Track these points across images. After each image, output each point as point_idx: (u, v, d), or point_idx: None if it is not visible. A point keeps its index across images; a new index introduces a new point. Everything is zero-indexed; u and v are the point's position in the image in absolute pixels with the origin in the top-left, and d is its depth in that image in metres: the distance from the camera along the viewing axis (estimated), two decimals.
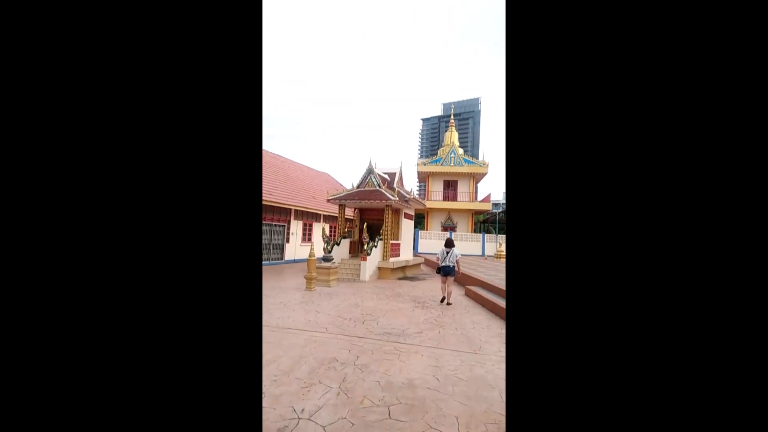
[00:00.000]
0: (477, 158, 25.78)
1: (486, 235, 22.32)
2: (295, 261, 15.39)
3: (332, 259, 9.38)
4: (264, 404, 2.69)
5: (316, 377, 3.24)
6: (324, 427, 2.41)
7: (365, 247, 10.64)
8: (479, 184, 26.18)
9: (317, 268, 8.72)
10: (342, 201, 11.86)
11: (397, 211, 12.21)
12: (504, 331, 5.02)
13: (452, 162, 24.76)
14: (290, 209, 15.17)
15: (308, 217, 16.67)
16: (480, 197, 25.41)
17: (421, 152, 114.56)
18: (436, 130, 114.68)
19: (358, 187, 12.13)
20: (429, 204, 23.32)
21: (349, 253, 11.86)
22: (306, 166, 22.02)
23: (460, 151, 25.41)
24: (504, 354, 3.96)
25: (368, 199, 11.21)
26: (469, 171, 24.55)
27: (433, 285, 9.99)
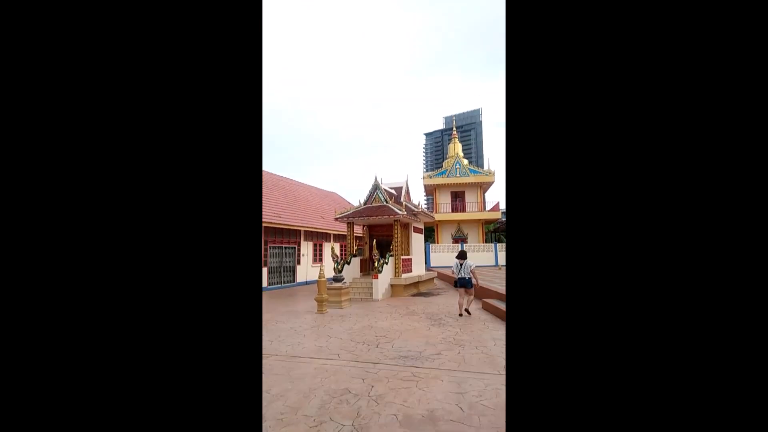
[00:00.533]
0: (482, 168, 25.48)
1: (498, 244, 21.78)
2: (307, 283, 15.10)
3: (343, 279, 9.09)
4: None
5: (327, 413, 2.92)
6: None
7: (376, 264, 10.33)
8: (487, 194, 25.79)
9: (328, 289, 8.43)
10: (350, 219, 11.64)
11: (406, 226, 11.93)
12: None
13: (458, 173, 24.52)
14: (300, 230, 15.01)
15: (318, 238, 16.47)
16: (488, 206, 24.98)
17: (426, 166, 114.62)
18: (439, 144, 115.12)
19: (365, 203, 11.92)
20: (438, 216, 22.95)
21: (360, 271, 11.56)
22: (313, 187, 21.99)
23: (465, 161, 25.20)
24: None
25: (376, 215, 10.97)
26: (476, 181, 24.24)
27: (448, 300, 9.60)
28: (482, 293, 8.68)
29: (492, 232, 27.70)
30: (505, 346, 4.77)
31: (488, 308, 7.45)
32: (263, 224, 12.53)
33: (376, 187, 11.96)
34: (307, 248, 15.56)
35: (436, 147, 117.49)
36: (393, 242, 11.01)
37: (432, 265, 20.17)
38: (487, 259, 20.82)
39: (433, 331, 5.86)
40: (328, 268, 13.52)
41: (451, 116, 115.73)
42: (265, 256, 13.04)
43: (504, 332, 5.58)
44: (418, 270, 12.58)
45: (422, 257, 13.68)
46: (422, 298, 10.07)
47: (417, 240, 12.84)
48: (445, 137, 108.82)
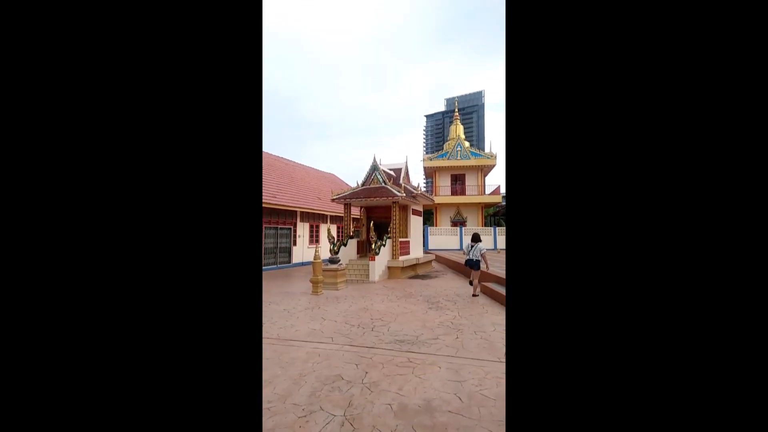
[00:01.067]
0: (483, 150, 24.99)
1: (497, 228, 21.60)
2: (303, 264, 14.94)
3: (339, 260, 8.90)
4: None
5: (318, 402, 2.74)
6: None
7: (373, 246, 10.13)
8: (487, 177, 25.41)
9: (324, 270, 8.25)
10: (347, 200, 11.36)
11: (404, 208, 11.67)
12: None
13: (459, 156, 24.05)
14: (296, 211, 14.75)
15: (314, 219, 16.23)
16: (489, 190, 24.66)
17: (426, 149, 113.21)
18: (440, 126, 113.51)
19: (362, 184, 11.61)
20: (437, 199, 22.65)
21: (357, 253, 11.37)
22: (310, 167, 21.59)
23: (467, 144, 24.65)
24: None
25: (374, 197, 10.69)
26: (477, 164, 23.82)
27: (446, 283, 9.46)
28: (481, 276, 8.51)
29: (492, 216, 27.48)
30: (505, 332, 4.61)
31: (486, 291, 7.29)
32: None
33: (374, 167, 11.63)
34: (303, 229, 15.33)
35: (437, 129, 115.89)
36: (391, 224, 10.78)
37: (430, 247, 20.02)
38: (486, 242, 20.56)
39: (431, 314, 5.70)
40: (325, 250, 13.35)
41: (453, 98, 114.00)
42: None
43: (503, 317, 5.43)
44: (416, 252, 12.40)
45: (420, 240, 13.49)
46: (420, 281, 9.92)
47: (415, 222, 12.61)
48: (446, 119, 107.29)
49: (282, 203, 13.38)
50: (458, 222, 23.83)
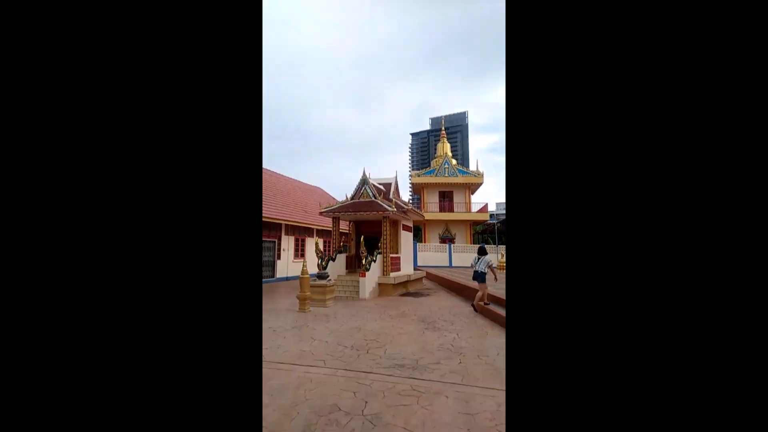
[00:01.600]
0: (470, 169, 25.16)
1: (485, 246, 21.55)
2: (287, 279, 14.37)
3: (328, 276, 8.50)
4: None
5: None
6: None
7: (363, 262, 9.76)
8: (474, 196, 25.45)
9: (312, 286, 7.83)
10: (336, 214, 11.02)
11: (395, 223, 11.41)
12: None
13: (446, 173, 24.15)
14: (281, 224, 14.28)
15: (300, 232, 15.76)
16: (476, 208, 24.71)
17: (413, 165, 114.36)
18: (425, 144, 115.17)
19: (352, 198, 11.31)
20: (426, 215, 22.52)
21: (346, 269, 10.97)
22: (296, 180, 21.18)
23: (454, 161, 24.83)
24: None
25: (364, 211, 10.39)
26: (464, 181, 23.94)
27: (439, 301, 9.14)
28: (475, 295, 8.24)
29: (480, 233, 27.50)
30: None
31: (484, 311, 7.02)
32: None
33: (364, 181, 11.36)
34: (288, 243, 14.84)
35: (422, 147, 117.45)
36: (381, 239, 10.47)
37: (419, 264, 19.66)
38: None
39: (428, 335, 5.37)
40: (312, 264, 12.86)
41: (438, 117, 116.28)
42: None
43: (504, 339, 5.14)
44: (407, 269, 12.08)
45: (411, 256, 13.20)
46: (412, 299, 9.58)
47: (406, 238, 12.34)
48: (432, 137, 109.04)
49: (266, 215, 12.92)
50: (447, 239, 23.70)
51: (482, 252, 7.46)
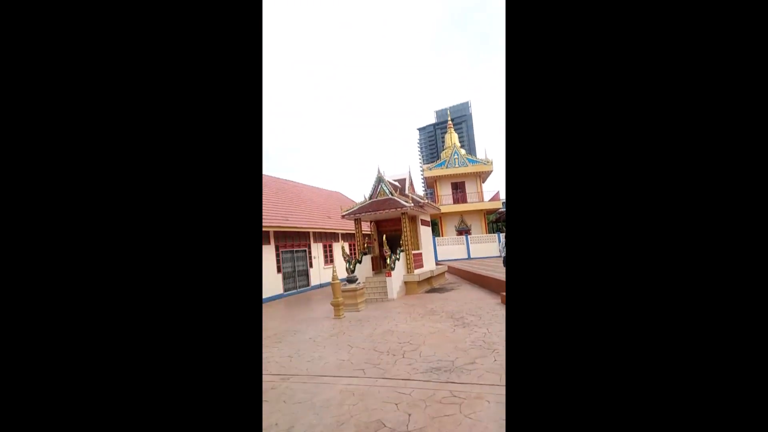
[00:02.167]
0: (478, 158, 24.61)
1: (501, 234, 21.08)
2: (321, 285, 14.43)
3: (356, 279, 8.50)
4: None
5: None
6: None
7: (388, 261, 9.69)
8: (485, 184, 24.91)
9: (343, 291, 7.83)
10: (357, 215, 10.96)
11: (413, 219, 11.26)
12: None
13: (457, 163, 23.67)
14: (308, 232, 14.38)
15: (327, 238, 15.84)
16: (488, 196, 24.20)
17: (422, 160, 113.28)
18: (432, 138, 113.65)
19: (369, 197, 11.19)
20: (441, 209, 22.24)
21: (372, 270, 10.93)
22: (315, 187, 21.29)
23: (463, 151, 24.29)
24: None
25: (383, 209, 10.26)
26: (475, 170, 23.42)
27: (465, 295, 8.99)
28: (500, 286, 8.07)
29: (494, 222, 26.96)
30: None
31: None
32: (272, 229, 11.92)
33: (379, 179, 11.19)
34: (317, 250, 14.93)
35: (430, 141, 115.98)
36: (402, 236, 10.36)
37: (439, 258, 19.44)
38: (492, 250, 20.04)
39: (459, 333, 5.26)
40: (340, 269, 12.91)
41: (443, 109, 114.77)
42: (279, 261, 12.40)
43: None
44: (429, 264, 11.93)
45: (431, 251, 13.02)
46: (438, 295, 9.47)
47: (425, 233, 12.18)
48: (438, 131, 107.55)
49: (295, 225, 13.03)
50: (463, 230, 23.33)
51: None
